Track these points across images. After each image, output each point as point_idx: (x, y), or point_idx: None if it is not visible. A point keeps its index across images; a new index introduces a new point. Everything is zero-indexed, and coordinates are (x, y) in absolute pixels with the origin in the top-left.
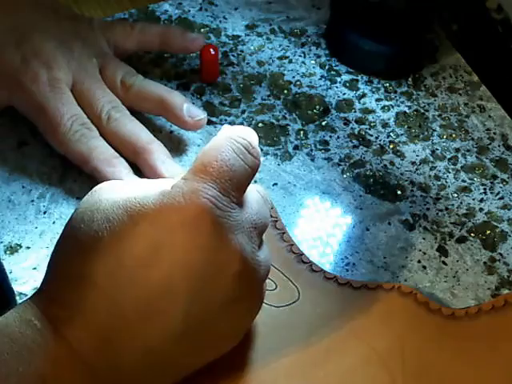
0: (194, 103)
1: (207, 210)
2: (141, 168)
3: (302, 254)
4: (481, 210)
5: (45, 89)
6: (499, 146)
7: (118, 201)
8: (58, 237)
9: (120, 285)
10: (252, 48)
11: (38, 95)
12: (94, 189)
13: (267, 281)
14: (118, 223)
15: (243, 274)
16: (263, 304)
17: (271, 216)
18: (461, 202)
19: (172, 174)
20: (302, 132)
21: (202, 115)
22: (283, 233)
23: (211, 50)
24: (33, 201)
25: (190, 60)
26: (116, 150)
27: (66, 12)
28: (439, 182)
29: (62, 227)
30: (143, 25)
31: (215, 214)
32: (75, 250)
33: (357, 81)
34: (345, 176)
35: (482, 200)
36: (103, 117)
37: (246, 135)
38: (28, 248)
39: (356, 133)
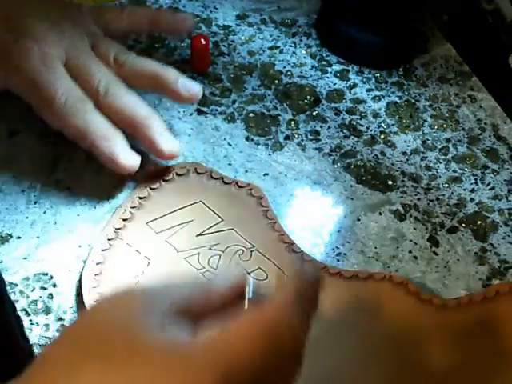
0: None
1: None
2: (140, 141)
3: (293, 243)
4: (472, 200)
5: (37, 64)
6: (490, 136)
7: (130, 324)
8: (48, 226)
9: None
10: (243, 38)
11: (30, 71)
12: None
13: (258, 271)
14: (120, 353)
15: None
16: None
17: (262, 205)
18: (452, 193)
19: (170, 148)
20: (292, 122)
21: (197, 88)
22: (274, 222)
23: (202, 39)
24: (23, 191)
25: (180, 50)
26: (113, 124)
27: None
28: (430, 173)
29: (53, 217)
30: (133, 7)
31: None
32: (69, 365)
33: (347, 71)
34: (336, 166)
35: (472, 190)
36: (100, 90)
37: None
38: (19, 238)
39: (347, 123)
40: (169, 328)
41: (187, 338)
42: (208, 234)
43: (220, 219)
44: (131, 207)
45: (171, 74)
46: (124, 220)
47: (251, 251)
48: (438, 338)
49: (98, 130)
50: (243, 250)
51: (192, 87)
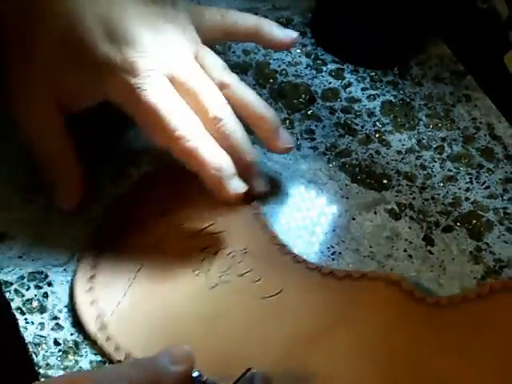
0: None
1: None
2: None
3: (285, 245)
4: (467, 199)
5: (144, 81)
6: (485, 135)
7: None
8: (43, 225)
9: None
10: None
11: (136, 88)
12: None
13: (250, 273)
14: None
15: None
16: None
17: (253, 208)
18: (447, 192)
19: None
20: (287, 121)
21: (292, 144)
22: (265, 225)
23: None
24: (18, 189)
25: None
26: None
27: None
28: (425, 172)
29: (48, 216)
30: (235, 15)
31: None
32: None
33: (342, 70)
34: (331, 165)
35: (467, 189)
36: (210, 113)
37: None
38: (13, 237)
39: (342, 122)
40: None
41: None
42: (199, 236)
43: (212, 221)
44: None
45: (271, 120)
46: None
47: (243, 253)
48: (432, 337)
49: (209, 152)
50: (235, 253)
51: (287, 141)
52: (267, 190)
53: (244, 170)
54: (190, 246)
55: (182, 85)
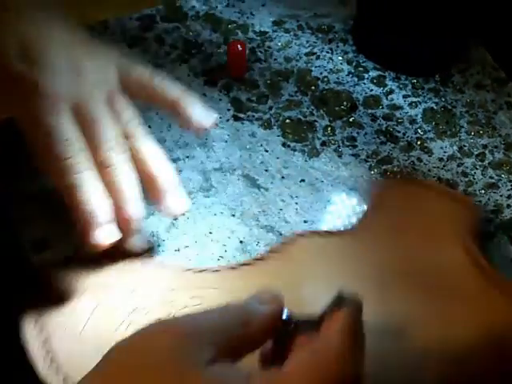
0: (220, 99)
1: None
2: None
3: None
4: (508, 206)
5: (43, 102)
6: None
7: (175, 361)
8: None
9: None
10: (279, 44)
11: (35, 107)
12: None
13: None
14: None
15: None
16: None
17: None
18: (488, 199)
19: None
20: (329, 128)
21: (178, 212)
22: None
23: (238, 45)
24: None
25: (217, 56)
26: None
27: (84, 36)
28: (467, 179)
29: None
30: (162, 82)
31: None
32: None
33: (384, 77)
34: (372, 172)
35: (509, 196)
36: (103, 153)
37: None
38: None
39: (383, 129)
40: (217, 368)
41: (240, 381)
42: None
43: None
44: None
45: (166, 181)
46: None
47: None
48: None
49: (86, 194)
50: None
51: (176, 207)
52: (145, 248)
53: (123, 222)
54: None
55: (84, 117)
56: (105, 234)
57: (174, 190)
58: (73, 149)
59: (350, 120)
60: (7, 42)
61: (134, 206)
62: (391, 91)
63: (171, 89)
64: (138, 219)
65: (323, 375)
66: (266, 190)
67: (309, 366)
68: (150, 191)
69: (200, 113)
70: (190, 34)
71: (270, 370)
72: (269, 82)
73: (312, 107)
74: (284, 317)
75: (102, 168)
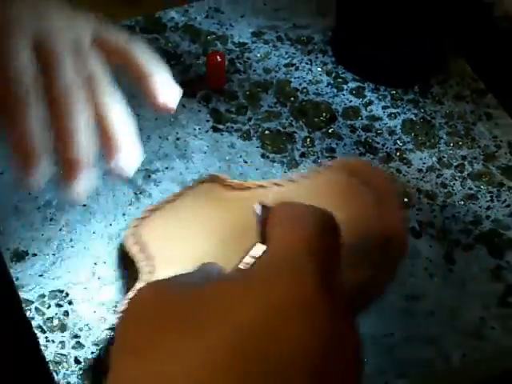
0: (200, 110)
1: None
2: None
3: None
4: (487, 217)
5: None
6: (506, 153)
7: (186, 288)
8: (64, 244)
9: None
10: (258, 55)
11: None
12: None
13: None
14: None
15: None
16: None
17: None
18: (467, 210)
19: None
20: (308, 139)
21: (129, 173)
22: None
23: (217, 56)
24: (39, 208)
25: (196, 67)
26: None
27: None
28: (446, 190)
29: (69, 234)
30: (137, 51)
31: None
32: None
33: (363, 88)
34: None
35: (488, 208)
36: (60, 83)
37: None
38: (34, 255)
39: (362, 140)
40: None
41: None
42: None
43: None
44: None
45: (115, 141)
46: None
47: None
48: None
49: (29, 127)
50: None
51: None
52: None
53: (66, 162)
54: None
55: (44, 54)
56: (41, 170)
57: (129, 145)
58: (24, 80)
59: (329, 131)
60: None
61: (79, 146)
62: (370, 102)
63: (144, 58)
64: (81, 162)
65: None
66: None
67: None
68: (104, 147)
69: (167, 88)
70: (169, 45)
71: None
72: (248, 93)
73: (291, 118)
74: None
75: (57, 99)
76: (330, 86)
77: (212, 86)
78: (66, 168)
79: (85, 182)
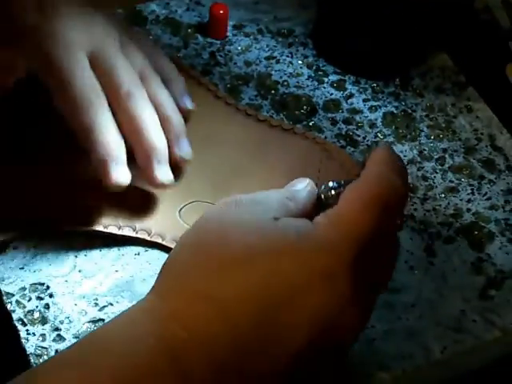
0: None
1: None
2: (136, 156)
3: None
4: (468, 210)
5: (59, 50)
6: (487, 146)
7: (254, 222)
8: (45, 237)
9: (249, 317)
10: (239, 48)
11: (50, 55)
12: (220, 204)
13: None
14: (255, 249)
15: None
16: None
17: None
18: (448, 203)
19: (163, 178)
20: None
21: (189, 157)
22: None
23: (221, 10)
24: None
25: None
26: (121, 131)
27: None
28: (427, 183)
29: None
30: (161, 57)
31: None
32: (207, 270)
33: (344, 81)
34: None
35: (469, 200)
36: (122, 93)
37: None
38: (15, 248)
39: (343, 133)
40: (284, 220)
41: (308, 224)
42: None
43: None
44: None
45: (177, 127)
46: None
47: None
48: None
49: (103, 134)
50: None
51: (185, 152)
52: (167, 184)
53: (142, 154)
54: None
55: (100, 63)
56: (117, 176)
57: (183, 136)
58: (90, 89)
59: (310, 124)
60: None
61: (158, 137)
62: (351, 95)
63: (167, 64)
64: (165, 150)
65: (373, 197)
66: None
67: (358, 195)
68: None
69: (185, 96)
70: (150, 37)
71: (326, 212)
72: (229, 85)
73: (272, 111)
74: (330, 184)
75: (124, 104)
76: (310, 79)
77: (212, 36)
78: (147, 164)
79: (167, 170)
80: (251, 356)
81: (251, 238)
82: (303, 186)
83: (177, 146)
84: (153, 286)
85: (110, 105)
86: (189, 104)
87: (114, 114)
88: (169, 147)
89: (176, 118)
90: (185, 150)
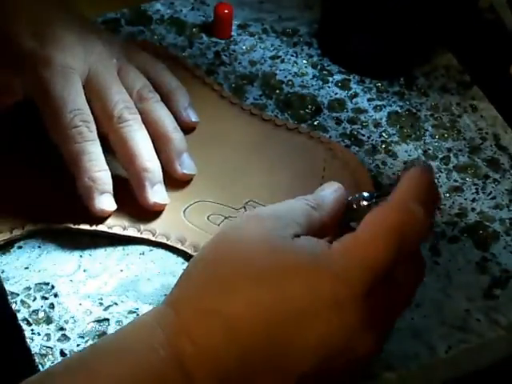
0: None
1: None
2: (130, 179)
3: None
4: (473, 209)
5: (55, 75)
6: (491, 145)
7: (271, 240)
8: (49, 236)
9: (256, 337)
10: (244, 48)
11: (45, 81)
12: (242, 218)
13: None
14: (268, 270)
15: None
16: None
17: None
18: (453, 202)
19: (157, 200)
20: None
21: (192, 171)
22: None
23: (225, 10)
24: None
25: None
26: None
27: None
28: None
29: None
30: (162, 71)
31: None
32: (219, 287)
33: (349, 80)
34: None
35: (474, 200)
36: (115, 116)
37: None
38: (20, 248)
39: (348, 132)
40: (302, 239)
41: (324, 248)
42: None
43: None
44: None
45: (177, 146)
46: None
47: None
48: None
49: (90, 163)
50: None
51: (189, 168)
52: (161, 204)
53: (135, 176)
54: None
55: (94, 87)
56: (101, 203)
57: (184, 152)
58: (80, 118)
59: (315, 123)
60: (19, 22)
61: (149, 159)
62: (356, 94)
63: (169, 79)
64: (158, 171)
65: (392, 226)
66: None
67: (378, 222)
68: (162, 153)
69: (188, 109)
70: (155, 37)
71: (345, 236)
72: (233, 85)
73: (277, 111)
74: (365, 195)
75: (116, 127)
76: (315, 79)
77: (217, 36)
78: (139, 186)
79: (161, 190)
80: (256, 375)
81: (265, 258)
82: (331, 191)
83: (179, 163)
84: (168, 295)
85: (102, 127)
86: (193, 117)
87: (107, 137)
88: (171, 165)
89: (176, 136)
90: (187, 166)
